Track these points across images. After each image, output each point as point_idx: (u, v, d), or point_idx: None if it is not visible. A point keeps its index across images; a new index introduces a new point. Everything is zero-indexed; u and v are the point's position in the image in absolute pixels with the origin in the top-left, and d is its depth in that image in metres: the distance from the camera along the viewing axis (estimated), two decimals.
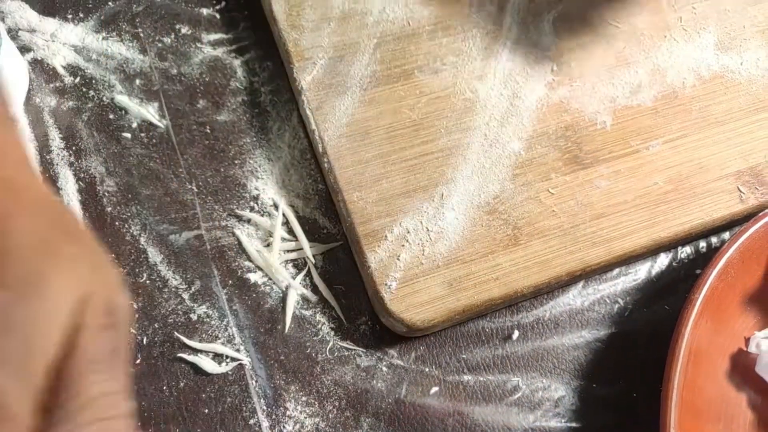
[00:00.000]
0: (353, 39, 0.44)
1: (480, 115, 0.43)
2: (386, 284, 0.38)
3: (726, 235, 0.43)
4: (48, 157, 0.42)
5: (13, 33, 0.45)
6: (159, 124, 0.43)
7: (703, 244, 0.43)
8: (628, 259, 0.41)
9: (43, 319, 0.23)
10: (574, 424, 0.39)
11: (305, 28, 0.44)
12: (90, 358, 0.23)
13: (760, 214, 0.40)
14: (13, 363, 0.22)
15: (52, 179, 0.41)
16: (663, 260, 0.42)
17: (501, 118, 0.43)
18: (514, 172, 0.41)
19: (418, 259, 0.39)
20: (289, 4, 0.45)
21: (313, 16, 0.45)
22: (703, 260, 0.41)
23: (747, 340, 0.39)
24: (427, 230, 0.39)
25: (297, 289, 0.40)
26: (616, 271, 0.42)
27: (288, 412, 0.37)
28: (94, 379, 0.23)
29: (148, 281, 0.39)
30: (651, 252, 0.41)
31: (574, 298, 0.41)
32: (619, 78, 0.45)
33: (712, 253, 0.40)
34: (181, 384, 0.37)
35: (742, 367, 0.39)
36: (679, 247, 0.43)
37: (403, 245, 0.39)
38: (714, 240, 0.43)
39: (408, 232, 0.39)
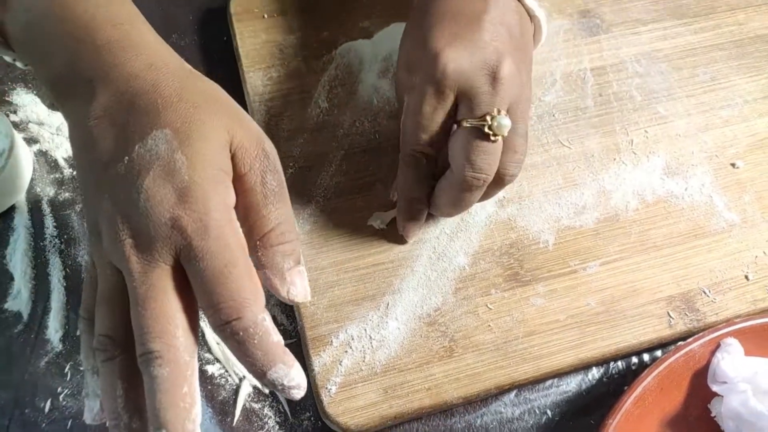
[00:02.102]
0: (323, 150, 0.49)
1: (432, 228, 0.46)
2: (327, 388, 0.41)
3: (659, 352, 0.46)
4: (41, 243, 0.47)
5: (23, 125, 0.51)
6: None
7: (634, 359, 0.46)
8: (556, 375, 0.44)
9: (210, 138, 0.31)
10: None
11: (281, 138, 0.49)
12: (264, 193, 0.32)
13: (680, 344, 0.42)
14: (197, 166, 0.30)
15: (42, 265, 0.46)
16: (594, 374, 0.45)
17: (451, 233, 0.46)
18: (457, 285, 0.45)
19: (358, 365, 0.42)
20: (269, 114, 0.50)
21: (290, 126, 0.49)
22: (633, 375, 0.44)
23: None
24: (370, 338, 0.43)
25: (250, 382, 0.44)
26: (549, 382, 0.45)
27: None
28: (273, 209, 0.33)
29: None
30: (578, 369, 0.44)
31: (506, 406, 0.44)
32: (565, 198, 0.48)
33: (642, 369, 0.43)
34: None
35: None
36: (611, 363, 0.45)
37: (346, 351, 0.43)
38: (646, 356, 0.46)
39: (352, 338, 0.43)
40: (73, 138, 0.34)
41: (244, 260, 0.31)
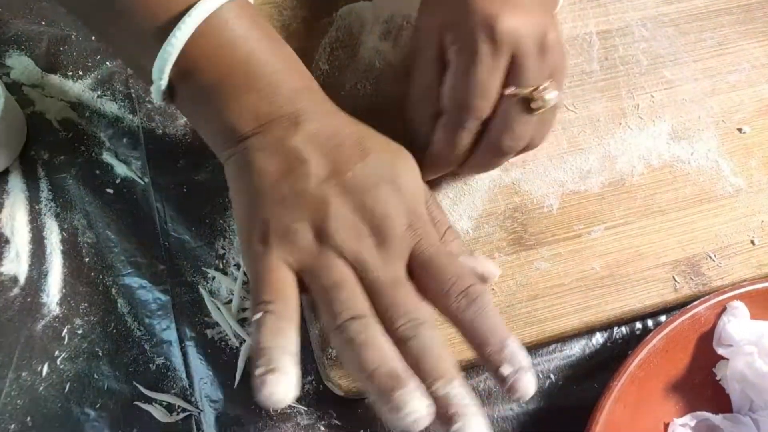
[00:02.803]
0: None
1: (434, 193, 0.46)
2: (328, 350, 0.41)
3: (663, 318, 0.45)
4: (37, 207, 0.46)
5: (17, 87, 0.50)
6: (140, 181, 0.47)
7: (638, 325, 0.45)
8: (560, 339, 0.43)
9: (416, 176, 0.38)
10: None
11: None
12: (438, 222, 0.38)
13: (687, 306, 0.42)
14: (416, 196, 0.37)
15: (38, 228, 0.45)
16: (598, 339, 0.45)
17: (454, 197, 0.46)
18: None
19: None
20: None
21: None
22: (637, 341, 0.43)
23: (666, 426, 0.41)
24: None
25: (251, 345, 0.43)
26: (553, 346, 0.44)
27: None
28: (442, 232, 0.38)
29: (114, 330, 0.43)
30: (582, 333, 0.44)
31: None
32: (570, 163, 0.47)
33: (646, 335, 0.42)
34: (135, 430, 0.41)
35: None
36: (615, 328, 0.45)
37: None
38: (650, 322, 0.45)
39: None
40: (270, 161, 0.36)
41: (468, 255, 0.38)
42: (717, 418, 0.42)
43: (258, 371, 0.31)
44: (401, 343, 0.33)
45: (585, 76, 0.50)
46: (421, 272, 0.35)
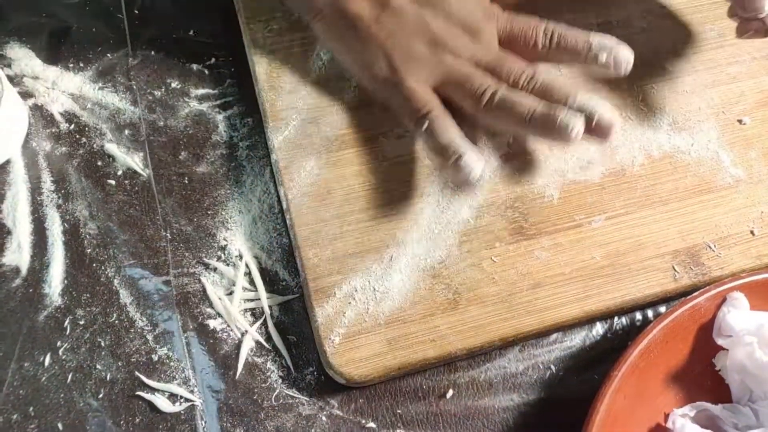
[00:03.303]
0: (326, 103, 0.48)
1: (436, 181, 0.46)
2: (330, 338, 0.41)
3: (663, 308, 0.46)
4: (39, 198, 0.46)
5: (18, 79, 0.50)
6: (142, 172, 0.47)
7: (638, 316, 0.45)
8: (560, 329, 0.43)
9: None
10: None
11: (283, 90, 0.48)
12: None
13: (687, 297, 0.42)
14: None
15: (40, 219, 0.46)
16: (598, 330, 0.45)
17: (455, 186, 0.46)
18: (461, 239, 0.44)
19: (362, 317, 0.42)
20: (270, 66, 0.49)
21: (291, 79, 0.48)
22: (637, 332, 0.43)
23: (666, 416, 0.42)
24: (374, 290, 0.43)
25: (252, 337, 0.43)
26: (553, 337, 0.44)
27: None
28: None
29: (117, 321, 0.43)
30: (583, 323, 0.44)
31: (510, 361, 0.44)
32: (570, 153, 0.47)
33: (646, 326, 0.43)
34: (137, 420, 0.41)
35: None
36: (615, 319, 0.45)
37: (350, 303, 0.42)
38: (650, 313, 0.45)
39: (356, 290, 0.42)
40: (362, 6, 0.43)
41: None
42: (716, 409, 0.42)
43: (451, 161, 0.41)
44: (531, 89, 0.42)
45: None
46: (511, 40, 0.44)
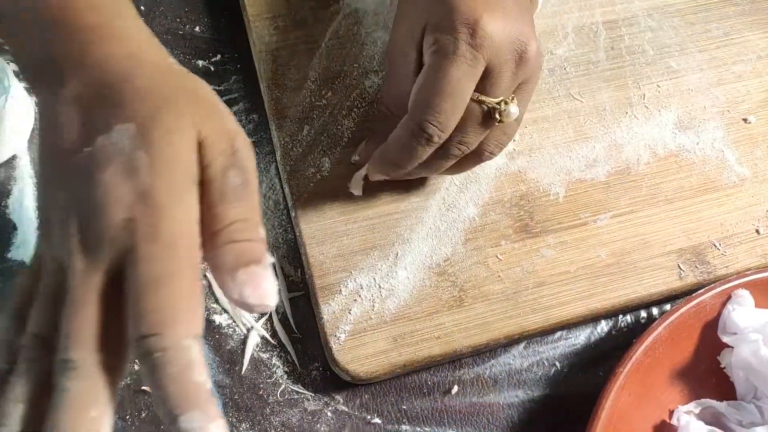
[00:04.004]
0: (331, 100, 0.48)
1: (441, 179, 0.46)
2: (336, 335, 0.41)
3: (668, 306, 0.46)
4: None
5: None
6: None
7: (643, 314, 0.45)
8: (565, 326, 0.44)
9: (172, 138, 0.28)
10: None
11: (287, 87, 0.48)
12: (222, 189, 0.29)
13: (692, 295, 0.42)
14: (158, 169, 0.27)
15: None
16: (603, 327, 0.45)
17: (460, 184, 0.46)
18: (467, 236, 0.44)
19: (367, 314, 0.42)
20: (276, 63, 0.49)
21: (296, 76, 0.48)
22: (642, 330, 0.43)
23: (671, 413, 0.42)
24: (379, 287, 0.43)
25: (258, 332, 0.43)
26: (558, 334, 0.44)
27: None
28: (229, 206, 0.28)
29: None
30: (588, 321, 0.44)
31: (515, 358, 0.44)
32: (576, 151, 0.47)
33: (651, 323, 0.43)
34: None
35: None
36: (620, 316, 0.45)
37: (355, 300, 0.42)
38: (655, 311, 0.46)
39: (361, 287, 0.43)
40: (40, 124, 0.31)
41: (191, 278, 0.27)
42: (721, 406, 0.42)
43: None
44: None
45: (591, 65, 0.50)
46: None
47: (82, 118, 0.29)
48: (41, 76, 0.31)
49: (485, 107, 0.37)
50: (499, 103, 0.37)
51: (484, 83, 0.37)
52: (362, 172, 0.43)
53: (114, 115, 0.28)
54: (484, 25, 0.35)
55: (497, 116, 0.37)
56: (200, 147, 0.29)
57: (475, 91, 0.37)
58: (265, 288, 0.27)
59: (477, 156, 0.40)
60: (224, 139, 0.30)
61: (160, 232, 0.26)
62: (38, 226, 0.29)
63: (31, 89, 0.33)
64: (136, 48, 0.32)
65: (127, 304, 0.26)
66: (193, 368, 0.25)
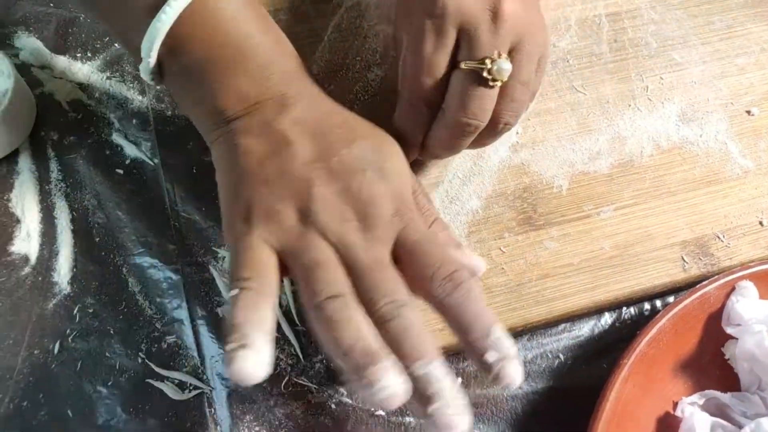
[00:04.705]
0: (333, 95, 0.47)
1: (444, 172, 0.46)
2: None
3: (671, 299, 0.46)
4: (47, 187, 0.46)
5: (26, 68, 0.50)
6: (150, 162, 0.47)
7: (647, 306, 0.45)
8: (569, 319, 0.44)
9: (403, 160, 0.38)
10: None
11: None
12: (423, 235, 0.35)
13: (696, 286, 0.42)
14: (404, 180, 0.37)
15: (48, 208, 0.46)
16: (607, 320, 0.45)
17: (463, 177, 0.46)
18: (470, 229, 0.44)
19: None
20: None
21: None
22: (646, 322, 0.43)
23: (675, 404, 0.42)
24: None
25: None
26: (562, 327, 0.44)
27: None
28: (427, 228, 0.37)
29: (126, 309, 0.43)
30: (592, 313, 0.44)
31: (519, 350, 0.44)
32: (579, 144, 0.47)
33: (655, 316, 0.43)
34: (147, 407, 0.41)
35: (667, 429, 0.41)
36: (624, 308, 0.45)
37: None
38: (659, 303, 0.45)
39: None
40: (256, 142, 0.36)
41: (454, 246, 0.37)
42: (725, 397, 0.42)
43: (229, 346, 0.30)
44: (381, 324, 0.32)
45: (594, 58, 0.50)
46: (406, 257, 0.34)
47: (314, 135, 0.36)
48: (264, 106, 0.36)
49: (471, 70, 0.37)
50: (482, 62, 0.36)
51: (464, 49, 0.37)
52: None
53: (348, 134, 0.36)
54: None
55: (487, 75, 0.36)
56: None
57: (459, 59, 0.37)
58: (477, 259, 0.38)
59: (493, 128, 0.39)
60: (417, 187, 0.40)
61: (421, 225, 0.36)
62: (256, 217, 0.34)
63: (246, 116, 0.37)
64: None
65: (416, 263, 0.34)
66: (479, 298, 0.33)
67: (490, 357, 0.31)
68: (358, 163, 0.35)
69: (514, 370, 0.31)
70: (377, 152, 0.36)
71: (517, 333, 0.43)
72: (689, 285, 0.44)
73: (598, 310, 0.44)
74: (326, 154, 0.35)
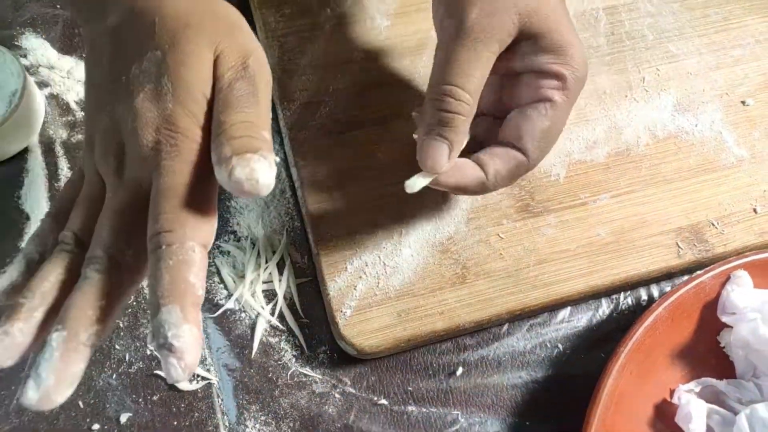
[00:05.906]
0: (338, 85, 0.49)
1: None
2: (342, 311, 0.42)
3: (667, 286, 0.46)
4: (56, 184, 0.47)
5: (34, 68, 0.51)
6: None
7: (644, 296, 0.46)
8: (566, 303, 0.44)
9: (191, 62, 0.31)
10: None
11: (294, 72, 0.49)
12: (226, 98, 0.30)
13: (692, 276, 0.43)
14: (179, 94, 0.30)
15: None
16: (604, 309, 0.46)
17: None
18: (469, 216, 0.45)
19: (373, 290, 0.43)
20: (282, 49, 0.50)
21: (303, 61, 0.49)
22: (643, 312, 0.44)
23: (672, 392, 0.42)
24: (384, 264, 0.44)
25: (266, 318, 0.44)
26: (560, 317, 0.45)
27: (247, 430, 0.41)
28: (232, 112, 0.30)
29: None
30: (588, 297, 0.45)
31: (518, 340, 0.45)
32: (576, 134, 0.48)
33: (651, 305, 0.43)
34: (155, 398, 0.42)
35: (664, 416, 0.42)
36: (621, 299, 0.46)
37: (360, 277, 0.43)
38: (656, 293, 0.46)
39: (366, 265, 0.43)
40: (86, 55, 0.34)
41: (206, 194, 0.29)
42: (721, 384, 0.43)
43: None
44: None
45: (592, 50, 0.51)
46: None
47: (119, 48, 0.32)
48: (87, 12, 0.34)
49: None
50: None
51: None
52: (427, 179, 0.39)
53: (145, 43, 0.31)
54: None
55: None
56: (215, 62, 0.32)
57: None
58: (257, 168, 0.27)
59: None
60: (237, 54, 0.32)
61: (181, 151, 0.29)
62: (84, 143, 0.32)
63: (78, 23, 0.35)
64: None
65: (150, 210, 0.28)
66: (190, 268, 0.27)
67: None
68: (140, 82, 0.31)
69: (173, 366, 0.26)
70: (163, 64, 0.31)
71: (515, 317, 0.44)
72: (684, 271, 0.45)
73: (594, 295, 0.45)
74: (121, 73, 0.31)
